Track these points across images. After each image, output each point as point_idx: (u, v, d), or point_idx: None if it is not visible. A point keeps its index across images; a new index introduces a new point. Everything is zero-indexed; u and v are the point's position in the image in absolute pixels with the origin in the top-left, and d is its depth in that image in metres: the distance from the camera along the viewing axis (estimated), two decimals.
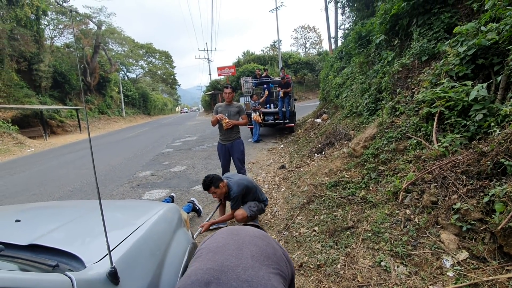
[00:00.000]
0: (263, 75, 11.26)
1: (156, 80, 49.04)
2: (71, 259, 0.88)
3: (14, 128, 15.73)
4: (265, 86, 10.81)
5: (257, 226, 1.37)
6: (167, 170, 6.59)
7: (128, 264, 0.95)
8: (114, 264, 0.82)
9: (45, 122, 18.99)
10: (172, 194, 4.30)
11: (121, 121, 30.77)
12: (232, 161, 4.30)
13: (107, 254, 0.88)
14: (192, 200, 3.85)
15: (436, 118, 3.12)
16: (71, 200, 1.71)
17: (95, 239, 1.07)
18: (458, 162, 2.35)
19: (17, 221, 1.22)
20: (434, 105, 3.22)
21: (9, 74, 18.24)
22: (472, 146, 2.49)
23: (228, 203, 3.27)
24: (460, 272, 1.78)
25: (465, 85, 3.06)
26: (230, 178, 3.19)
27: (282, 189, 4.45)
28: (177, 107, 70.56)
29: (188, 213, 3.66)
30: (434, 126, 3.05)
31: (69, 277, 0.69)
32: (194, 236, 3.01)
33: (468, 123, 2.80)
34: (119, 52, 37.51)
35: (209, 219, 3.15)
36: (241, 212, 3.02)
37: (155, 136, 14.45)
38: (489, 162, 2.14)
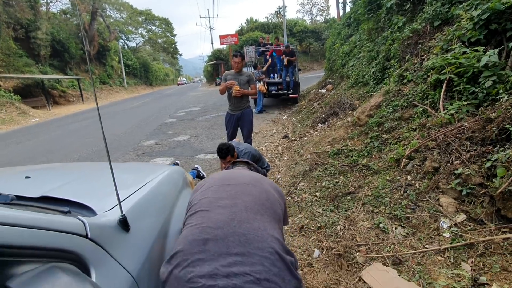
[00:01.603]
0: (268, 43, 10.84)
1: (156, 49, 47.66)
2: (82, 209, 0.91)
3: (17, 98, 15.68)
4: (267, 55, 10.46)
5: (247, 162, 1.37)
6: (171, 140, 6.64)
7: (137, 215, 0.99)
8: (124, 213, 0.85)
9: (47, 92, 18.88)
10: (177, 161, 4.36)
11: (123, 91, 30.48)
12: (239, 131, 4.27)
13: (117, 204, 0.92)
14: (196, 167, 3.91)
15: (444, 85, 3.05)
16: (78, 162, 1.75)
17: (104, 193, 1.10)
18: (464, 129, 2.33)
19: (27, 177, 1.26)
20: (443, 71, 3.13)
21: (7, 42, 17.81)
22: (479, 113, 2.45)
23: None
24: (457, 233, 1.84)
25: (476, 50, 2.94)
26: (237, 147, 3.19)
27: (285, 158, 4.50)
28: (178, 78, 67.41)
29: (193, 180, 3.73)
30: (442, 93, 2.99)
31: (82, 221, 0.72)
32: None
33: (476, 90, 2.73)
34: (117, 19, 36.11)
35: None
36: None
37: (158, 107, 14.37)
38: (494, 128, 2.12)
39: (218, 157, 2.95)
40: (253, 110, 9.33)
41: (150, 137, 7.12)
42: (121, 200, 1.01)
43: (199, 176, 3.88)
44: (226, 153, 2.90)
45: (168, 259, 0.89)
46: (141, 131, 8.00)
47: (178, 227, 1.25)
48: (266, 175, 3.35)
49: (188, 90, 28.07)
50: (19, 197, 0.91)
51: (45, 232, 0.59)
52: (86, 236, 0.70)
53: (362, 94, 5.46)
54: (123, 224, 0.85)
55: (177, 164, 4.10)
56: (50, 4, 25.23)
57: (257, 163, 3.19)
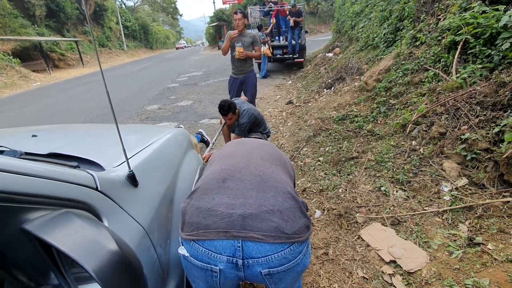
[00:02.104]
0: (273, 1, 10.14)
1: (155, 9, 45.35)
2: (90, 165, 0.93)
3: (16, 61, 15.35)
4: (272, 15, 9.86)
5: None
6: (174, 104, 6.59)
7: (145, 172, 1.01)
8: (132, 169, 0.86)
9: (46, 55, 18.40)
10: (181, 125, 4.37)
11: (123, 55, 29.63)
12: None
13: (124, 161, 0.93)
14: (200, 132, 3.93)
15: (459, 47, 2.90)
16: (84, 124, 1.76)
17: (111, 151, 1.11)
18: (475, 93, 2.26)
19: (34, 136, 1.27)
20: (459, 32, 2.96)
21: (1, 2, 17.00)
22: (492, 76, 2.35)
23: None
24: (457, 196, 1.87)
25: (497, 10, 2.75)
26: (240, 106, 3.14)
27: (289, 124, 4.47)
28: (180, 40, 63.62)
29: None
30: (456, 56, 2.85)
31: (91, 174, 0.74)
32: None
33: (493, 52, 2.60)
34: None
35: (213, 141, 3.23)
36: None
37: (159, 71, 14.06)
38: (507, 93, 2.05)
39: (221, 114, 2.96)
40: (257, 75, 9.10)
41: (153, 101, 7.06)
42: (128, 158, 1.02)
43: (203, 141, 3.90)
44: (227, 109, 2.89)
45: (189, 195, 0.96)
46: (144, 95, 7.91)
47: (184, 186, 1.27)
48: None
49: (190, 54, 27.20)
50: (27, 153, 0.92)
51: (56, 183, 0.61)
52: (96, 189, 0.71)
53: (371, 58, 5.25)
54: (131, 179, 0.87)
55: (181, 127, 4.12)
56: None
57: (258, 125, 3.18)
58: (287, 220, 0.88)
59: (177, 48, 47.38)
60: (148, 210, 0.89)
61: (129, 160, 1.00)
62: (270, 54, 8.55)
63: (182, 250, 0.86)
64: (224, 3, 23.52)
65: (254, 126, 3.18)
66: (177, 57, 24.64)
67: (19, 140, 1.27)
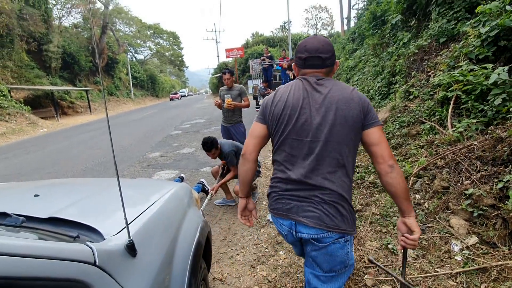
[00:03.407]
0: (267, 56, 10.93)
1: (164, 62, 48.72)
2: (90, 232, 0.91)
3: (27, 108, 16.02)
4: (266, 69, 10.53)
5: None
6: (176, 152, 6.67)
7: (144, 238, 0.98)
8: (131, 238, 0.84)
9: (56, 103, 19.29)
10: (182, 174, 4.37)
11: (130, 102, 30.99)
12: None
13: (124, 227, 0.91)
14: (201, 181, 3.91)
15: (452, 102, 3.03)
16: (86, 178, 1.76)
17: (112, 214, 1.10)
18: (473, 148, 2.30)
19: (36, 195, 1.26)
20: (450, 89, 3.12)
21: (20, 55, 18.39)
22: (488, 131, 2.42)
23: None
24: (469, 256, 1.78)
25: (485, 68, 2.93)
26: (221, 141, 3.54)
27: None
28: (185, 89, 66.39)
29: (198, 193, 3.72)
30: (450, 110, 2.97)
31: (90, 247, 0.71)
32: (203, 204, 3.21)
33: (485, 108, 2.71)
34: (126, 32, 37.18)
35: (217, 182, 3.51)
36: (238, 187, 3.20)
37: (163, 118, 14.53)
38: (505, 148, 2.08)
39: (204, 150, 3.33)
40: None
41: (155, 149, 7.16)
42: (128, 223, 1.01)
43: (204, 190, 3.87)
44: (210, 145, 3.29)
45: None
46: (146, 142, 8.06)
47: (184, 246, 1.22)
48: (260, 172, 3.65)
49: (194, 102, 28.41)
50: (28, 218, 0.91)
51: (55, 262, 0.59)
52: (94, 264, 0.69)
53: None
54: (130, 249, 0.84)
55: (182, 177, 4.11)
56: (62, 18, 26.12)
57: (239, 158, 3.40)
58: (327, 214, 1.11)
59: (171, 99, 38.07)
60: (145, 281, 0.85)
61: (129, 225, 0.98)
62: None
63: None
64: (227, 57, 25.35)
65: (238, 156, 3.35)
66: (181, 104, 25.70)
67: (22, 200, 1.26)
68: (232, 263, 2.43)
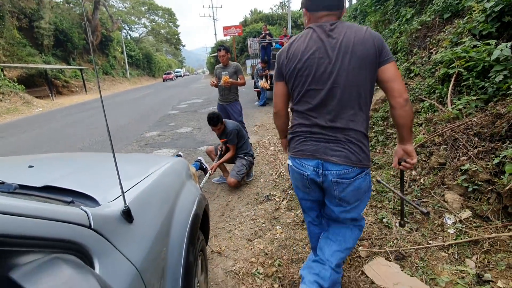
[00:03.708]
0: (266, 33, 10.54)
1: (159, 40, 47.34)
2: (85, 199, 0.90)
3: (21, 87, 15.71)
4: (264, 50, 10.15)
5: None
6: (173, 131, 6.64)
7: (141, 206, 0.98)
8: (127, 204, 0.84)
9: (50, 82, 18.89)
10: (180, 153, 4.37)
11: (126, 82, 30.44)
12: None
13: (120, 195, 0.90)
14: (199, 159, 3.92)
15: (453, 79, 2.99)
16: (82, 152, 1.74)
17: (107, 183, 1.09)
18: (472, 124, 2.29)
19: (30, 166, 1.25)
20: (452, 65, 3.07)
21: (11, 32, 17.77)
22: (488, 108, 2.40)
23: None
24: (461, 229, 1.82)
25: (488, 44, 2.87)
26: (225, 119, 3.55)
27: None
28: (182, 69, 63.86)
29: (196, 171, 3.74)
30: (450, 88, 2.93)
31: (85, 211, 0.71)
32: (203, 182, 3.25)
33: (486, 85, 2.67)
34: (120, 9, 35.84)
35: (216, 161, 3.55)
36: (231, 180, 3.33)
37: (160, 98, 14.35)
38: (504, 124, 2.07)
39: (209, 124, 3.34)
40: (256, 103, 9.28)
41: (152, 128, 7.12)
42: (124, 191, 1.00)
43: (202, 168, 3.88)
44: (216, 120, 3.30)
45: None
46: (143, 122, 8.00)
47: (181, 218, 1.23)
48: (253, 163, 3.61)
49: (191, 82, 27.95)
50: (22, 186, 0.90)
51: (48, 222, 0.58)
52: (89, 227, 0.69)
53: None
54: (127, 215, 0.84)
55: (180, 155, 4.10)
56: None
57: (242, 138, 3.53)
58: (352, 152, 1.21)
59: (164, 80, 34.87)
60: (142, 247, 0.85)
61: (125, 193, 0.98)
62: (268, 87, 8.75)
63: None
64: (225, 35, 24.66)
65: (240, 138, 3.51)
66: (179, 84, 25.29)
67: (16, 171, 1.25)
68: (230, 237, 2.48)
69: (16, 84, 15.71)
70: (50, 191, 0.94)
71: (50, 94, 17.92)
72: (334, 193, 1.29)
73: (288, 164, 1.41)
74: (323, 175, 1.26)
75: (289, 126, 1.44)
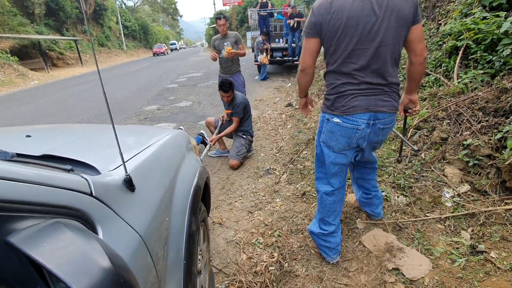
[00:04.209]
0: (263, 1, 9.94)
1: (156, 10, 45.33)
2: (86, 168, 0.89)
3: (14, 59, 15.26)
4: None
5: None
6: (173, 105, 6.55)
7: (142, 176, 0.97)
8: (128, 173, 0.83)
9: (45, 53, 18.32)
10: (181, 127, 4.34)
11: (122, 54, 29.58)
12: None
13: (121, 164, 0.89)
14: (201, 133, 3.90)
15: (460, 52, 2.89)
16: (81, 124, 1.71)
17: (108, 153, 1.08)
18: (477, 98, 2.25)
19: (28, 136, 1.23)
20: (460, 37, 2.95)
21: (0, 0, 16.93)
22: (494, 83, 2.34)
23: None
24: (459, 202, 1.85)
25: (498, 16, 2.75)
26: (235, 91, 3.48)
27: (289, 126, 4.45)
28: (179, 42, 60.79)
29: (197, 145, 3.74)
30: (457, 61, 2.85)
31: (86, 179, 0.70)
32: (203, 154, 3.26)
33: (493, 58, 2.59)
34: None
35: (215, 134, 3.51)
36: (234, 162, 3.29)
37: (158, 71, 14.03)
38: (509, 99, 2.03)
39: (221, 90, 3.29)
40: (257, 78, 9.09)
41: (151, 102, 7.02)
42: (125, 161, 0.99)
43: (204, 142, 3.87)
44: (229, 86, 3.26)
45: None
46: (142, 96, 7.87)
47: (182, 189, 1.23)
48: (252, 141, 3.56)
49: (189, 55, 27.19)
50: (20, 155, 0.88)
51: (48, 189, 0.57)
52: (90, 194, 0.68)
53: None
54: (128, 184, 0.83)
55: (181, 129, 4.08)
56: None
57: (247, 114, 3.48)
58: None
59: (154, 54, 30.12)
60: (145, 216, 0.86)
61: (126, 163, 0.97)
62: (267, 62, 8.49)
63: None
64: (224, 4, 23.56)
65: (246, 113, 3.44)
66: (177, 57, 24.63)
67: (13, 140, 1.23)
68: (231, 209, 2.53)
69: (9, 55, 15.24)
70: (49, 160, 0.93)
71: (45, 67, 17.46)
72: (376, 139, 1.44)
73: (332, 123, 1.41)
74: (372, 125, 1.36)
75: (330, 88, 1.40)
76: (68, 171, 0.75)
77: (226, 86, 3.24)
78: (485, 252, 1.51)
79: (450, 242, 1.63)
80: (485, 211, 1.71)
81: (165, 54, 30.71)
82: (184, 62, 18.90)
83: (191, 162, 1.49)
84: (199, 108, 6.18)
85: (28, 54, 18.13)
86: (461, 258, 1.51)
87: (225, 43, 3.84)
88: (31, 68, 16.16)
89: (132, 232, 0.76)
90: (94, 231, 0.65)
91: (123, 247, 0.70)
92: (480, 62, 2.71)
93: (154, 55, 30.15)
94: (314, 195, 2.43)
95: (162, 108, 6.37)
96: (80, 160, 0.90)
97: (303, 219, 2.18)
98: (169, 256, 0.97)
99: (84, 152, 1.04)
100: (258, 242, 2.03)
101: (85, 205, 0.65)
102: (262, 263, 1.83)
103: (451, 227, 1.72)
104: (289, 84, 7.82)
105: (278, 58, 9.25)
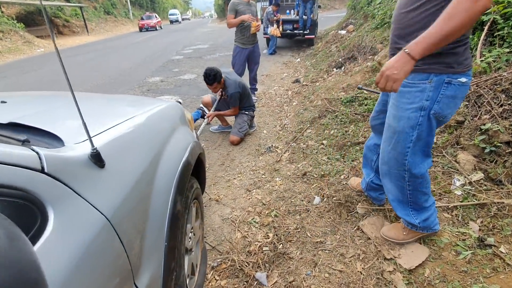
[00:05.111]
0: None
1: None
2: (52, 139, 0.79)
3: (20, 26, 14.99)
4: None
5: None
6: (177, 77, 6.37)
7: (118, 150, 0.87)
8: (95, 146, 0.73)
9: (50, 20, 17.93)
10: (179, 100, 4.21)
11: (129, 24, 28.82)
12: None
13: (93, 136, 0.79)
14: (201, 107, 3.77)
15: (486, 28, 2.62)
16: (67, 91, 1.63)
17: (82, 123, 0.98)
18: (500, 79, 2.04)
19: (3, 102, 1.13)
20: (488, 11, 2.66)
21: None
22: None
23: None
24: (470, 191, 1.72)
25: None
26: (227, 75, 3.19)
27: (294, 103, 4.27)
28: (187, 11, 58.08)
29: (197, 119, 3.63)
30: (482, 37, 2.58)
31: (37, 152, 0.60)
32: (200, 128, 3.15)
33: None
34: None
35: (213, 110, 3.37)
36: (234, 138, 3.15)
37: (164, 42, 13.64)
38: None
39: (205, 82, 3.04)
40: (265, 52, 8.70)
41: (155, 73, 6.84)
42: (99, 132, 0.88)
43: (204, 117, 3.76)
44: (213, 79, 2.92)
45: None
46: (146, 67, 7.67)
47: (168, 165, 1.13)
48: (253, 116, 3.40)
49: (197, 26, 26.29)
50: None
51: None
52: (41, 171, 0.58)
53: (386, 37, 4.90)
54: (95, 158, 0.73)
55: (179, 102, 3.95)
56: None
57: (247, 97, 3.25)
58: None
59: (141, 28, 22.75)
60: (116, 196, 0.76)
61: (99, 135, 0.86)
62: (278, 35, 8.05)
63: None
64: None
65: (243, 99, 3.22)
66: (184, 28, 23.85)
67: None
68: (229, 186, 2.46)
69: (15, 22, 14.96)
70: (16, 129, 0.83)
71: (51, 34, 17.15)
72: None
73: (455, 85, 1.14)
74: None
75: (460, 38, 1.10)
76: (23, 142, 0.65)
77: (208, 78, 2.95)
78: (494, 246, 1.41)
79: (457, 233, 1.53)
80: (498, 202, 1.59)
81: (156, 29, 23.32)
82: (191, 33, 18.31)
83: (181, 137, 1.38)
84: (203, 81, 5.98)
85: (34, 20, 17.80)
86: (467, 250, 1.41)
87: (250, 13, 3.73)
88: (37, 36, 15.90)
89: (96, 214, 0.67)
90: (43, 213, 0.56)
91: (81, 231, 0.61)
92: (507, 40, 2.45)
93: (140, 30, 22.73)
94: (316, 176, 2.33)
95: (165, 80, 6.20)
96: (45, 129, 0.80)
97: (302, 200, 2.10)
98: (147, 238, 0.89)
99: (55, 121, 0.94)
100: (254, 221, 1.97)
101: (32, 184, 0.55)
102: (256, 242, 1.77)
103: (459, 217, 1.61)
104: (298, 60, 7.49)
105: (288, 31, 8.78)
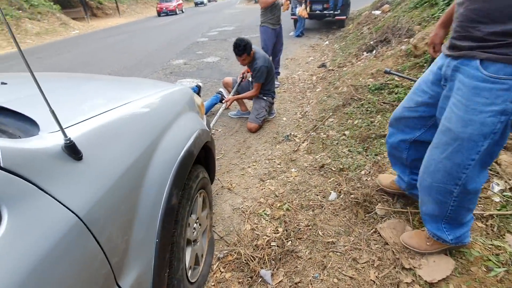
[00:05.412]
0: None
1: None
2: (34, 126, 0.74)
3: (57, 7, 15.64)
4: None
5: None
6: (200, 60, 6.31)
7: (101, 140, 0.80)
8: (69, 137, 0.66)
9: (85, 2, 18.54)
10: (199, 83, 4.14)
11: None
12: None
13: (78, 122, 0.73)
14: (220, 91, 3.69)
15: None
16: (78, 73, 1.61)
17: (73, 107, 0.92)
18: None
19: (3, 83, 1.11)
20: None
21: None
22: None
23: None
24: (509, 199, 1.50)
25: None
26: (256, 49, 3.05)
27: (318, 89, 4.04)
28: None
29: (215, 103, 3.55)
30: None
31: None
32: (218, 113, 3.05)
33: None
34: None
35: (232, 94, 3.25)
36: (252, 125, 3.04)
37: (191, 24, 13.58)
38: None
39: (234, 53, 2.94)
40: (291, 34, 8.32)
41: (179, 56, 6.83)
42: (86, 119, 0.82)
43: (222, 101, 3.67)
44: (243, 49, 2.83)
45: None
46: (171, 49, 7.68)
47: (167, 154, 1.06)
48: (273, 102, 3.25)
49: (225, 7, 25.84)
50: None
51: None
52: None
53: (426, 18, 4.42)
54: (70, 150, 0.66)
55: (199, 86, 3.88)
56: None
57: (270, 76, 3.10)
58: None
59: (159, 12, 20.91)
60: (94, 190, 0.69)
61: (82, 122, 0.80)
62: (307, 16, 7.62)
63: None
64: None
65: (268, 75, 3.07)
66: (211, 10, 23.59)
67: None
68: (243, 174, 2.39)
69: (52, 3, 15.61)
70: (2, 113, 0.79)
71: (86, 16, 17.78)
72: None
73: None
74: None
75: None
76: None
77: (238, 49, 2.82)
78: None
79: (490, 245, 1.33)
80: None
81: (176, 13, 21.31)
82: (218, 14, 18.06)
83: (185, 124, 1.30)
84: (226, 64, 5.87)
85: (70, 2, 18.46)
86: (499, 267, 1.22)
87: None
88: (73, 18, 16.55)
89: (64, 212, 0.60)
90: None
91: (43, 232, 0.55)
92: None
93: (158, 15, 20.99)
94: (334, 169, 2.18)
95: (189, 62, 6.17)
96: (25, 114, 0.74)
97: (317, 195, 1.97)
98: (135, 235, 0.83)
99: (43, 106, 0.89)
100: (265, 214, 1.89)
101: None
102: (264, 237, 1.70)
103: (494, 227, 1.40)
104: (326, 42, 7.08)
105: (317, 12, 8.29)
